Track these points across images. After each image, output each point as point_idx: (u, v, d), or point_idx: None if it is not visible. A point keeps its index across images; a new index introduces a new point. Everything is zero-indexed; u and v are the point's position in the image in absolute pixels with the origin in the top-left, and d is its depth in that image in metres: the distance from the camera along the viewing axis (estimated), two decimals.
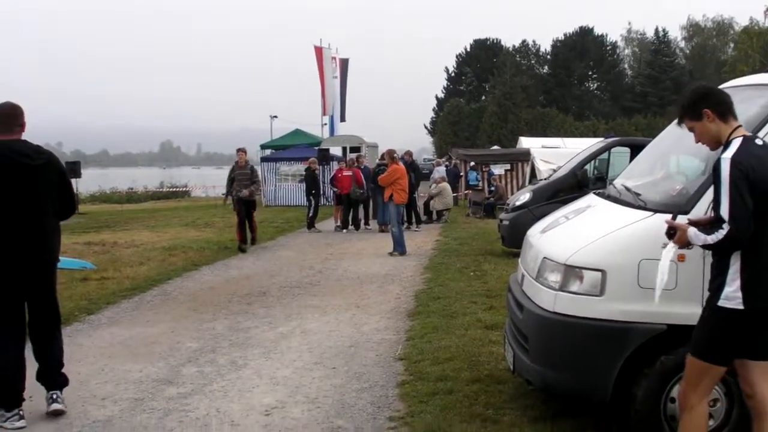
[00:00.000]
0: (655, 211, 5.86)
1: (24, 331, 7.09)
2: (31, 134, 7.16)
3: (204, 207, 43.63)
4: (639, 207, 6.11)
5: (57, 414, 7.10)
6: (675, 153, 7.12)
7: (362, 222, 27.13)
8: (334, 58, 51.80)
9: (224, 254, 19.60)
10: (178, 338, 10.21)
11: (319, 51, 49.64)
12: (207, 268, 17.05)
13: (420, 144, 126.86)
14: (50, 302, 7.22)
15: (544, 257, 6.34)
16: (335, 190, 27.35)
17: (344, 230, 26.31)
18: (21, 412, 6.93)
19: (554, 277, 6.10)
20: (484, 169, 36.92)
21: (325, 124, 50.78)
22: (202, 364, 8.89)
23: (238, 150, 21.88)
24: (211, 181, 68.89)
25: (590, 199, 7.36)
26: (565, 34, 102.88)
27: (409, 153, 28.01)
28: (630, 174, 7.40)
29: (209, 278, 15.65)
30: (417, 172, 27.90)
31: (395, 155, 20.92)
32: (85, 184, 45.48)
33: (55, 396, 7.18)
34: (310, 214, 26.75)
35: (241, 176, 20.97)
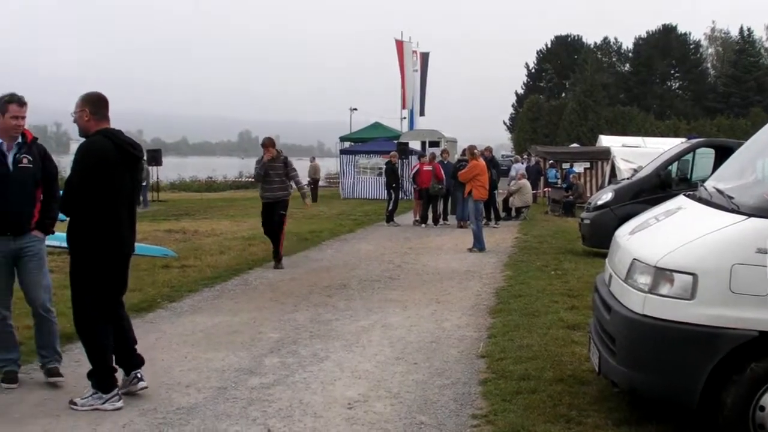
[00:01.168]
0: (749, 215, 5.77)
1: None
2: (114, 122, 7.36)
3: None
4: (732, 210, 6.01)
5: (142, 389, 7.34)
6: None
7: (441, 217, 27.10)
8: (414, 51, 51.84)
9: (303, 245, 19.74)
10: (259, 328, 10.31)
11: (400, 45, 49.71)
12: (287, 258, 17.14)
13: (498, 140, 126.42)
14: (126, 286, 7.50)
15: (634, 259, 6.27)
16: (414, 186, 27.39)
17: (423, 225, 26.32)
18: (120, 393, 7.13)
19: (644, 279, 6.03)
20: (563, 167, 36.64)
21: (405, 117, 50.87)
22: (284, 355, 8.97)
23: (265, 145, 16.54)
24: None
25: (680, 200, 7.26)
26: (647, 32, 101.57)
27: (489, 149, 27.93)
28: (721, 176, 7.27)
29: (290, 269, 15.77)
30: (497, 169, 27.81)
31: (476, 151, 20.87)
32: (165, 171, 46.16)
33: (139, 375, 7.38)
34: (390, 208, 26.81)
35: (274, 171, 16.17)
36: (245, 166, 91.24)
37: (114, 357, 7.28)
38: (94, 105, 7.16)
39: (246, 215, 30.11)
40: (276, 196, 16.10)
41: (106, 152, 6.98)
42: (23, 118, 7.64)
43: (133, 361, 7.41)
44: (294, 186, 16.86)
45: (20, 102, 7.64)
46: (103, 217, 6.97)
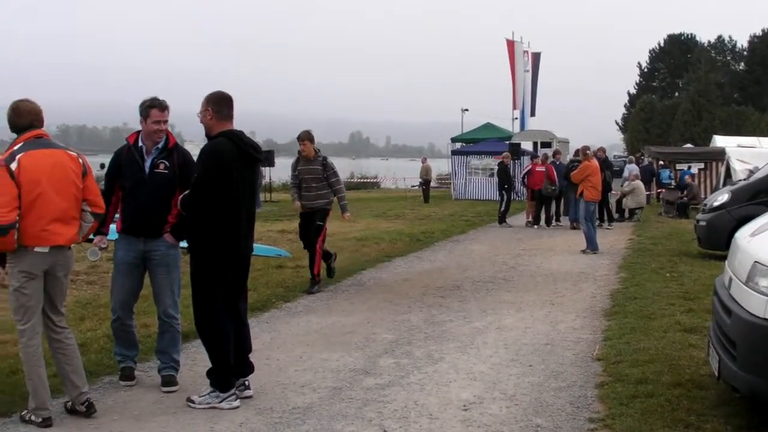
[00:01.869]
0: None
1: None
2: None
3: (394, 198, 44.16)
4: None
5: (247, 398, 7.36)
6: None
7: (553, 218, 26.84)
8: (526, 52, 51.48)
9: (417, 246, 19.78)
10: (374, 329, 10.38)
11: (511, 45, 49.42)
12: (400, 259, 17.25)
13: (610, 140, 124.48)
14: (246, 285, 7.63)
15: (756, 261, 6.12)
16: (526, 187, 27.22)
17: (535, 226, 26.12)
18: (236, 393, 7.24)
19: (766, 283, 5.89)
20: (677, 168, 35.92)
21: (516, 118, 50.56)
22: (398, 355, 9.01)
23: (302, 138, 13.35)
24: (401, 173, 69.55)
25: None
26: (763, 30, 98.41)
27: (602, 150, 27.55)
28: None
29: (403, 270, 15.85)
30: (610, 170, 27.42)
31: (588, 152, 20.63)
32: (277, 172, 46.74)
33: (247, 382, 7.45)
34: (502, 209, 26.67)
35: (311, 174, 13.42)
36: (356, 167, 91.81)
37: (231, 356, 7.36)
38: (217, 104, 7.20)
39: (358, 216, 30.29)
40: (312, 205, 13.45)
41: (228, 154, 7.02)
42: (165, 122, 7.70)
43: (244, 368, 7.47)
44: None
45: (161, 106, 7.67)
46: (223, 218, 7.03)
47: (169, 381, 7.82)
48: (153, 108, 7.65)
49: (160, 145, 7.73)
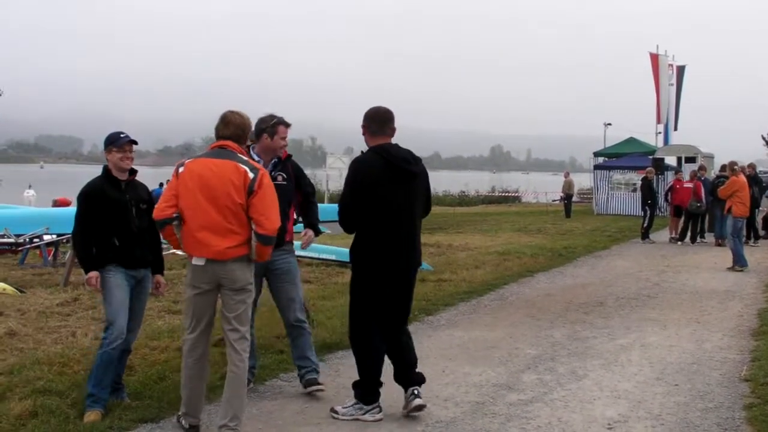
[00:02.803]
0: None
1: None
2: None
3: (535, 213, 43.84)
4: None
5: (419, 409, 7.18)
6: None
7: (699, 235, 26.10)
8: (670, 65, 50.27)
9: (559, 261, 19.53)
10: (516, 344, 10.29)
11: (654, 58, 48.31)
12: (542, 274, 17.08)
13: (755, 155, 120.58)
14: (409, 304, 7.45)
15: None
16: (669, 203, 26.62)
17: (680, 242, 25.46)
18: (380, 406, 7.21)
19: None
20: None
21: (659, 132, 49.32)
22: (541, 371, 8.91)
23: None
24: (542, 187, 68.99)
25: None
26: None
27: (752, 166, 26.62)
28: None
29: (545, 285, 15.68)
30: (759, 186, 26.51)
31: (736, 167, 20.02)
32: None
33: (416, 391, 7.24)
34: (645, 225, 26.10)
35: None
36: (497, 181, 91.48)
37: (394, 373, 7.31)
38: (371, 120, 7.18)
39: (499, 230, 30.20)
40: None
41: (373, 169, 6.98)
42: (285, 138, 7.90)
43: (412, 378, 7.31)
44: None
45: (287, 123, 7.90)
46: (377, 233, 7.00)
47: (312, 382, 7.94)
48: (281, 125, 7.83)
49: (275, 159, 7.93)
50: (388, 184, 7.01)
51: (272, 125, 7.80)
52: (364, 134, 7.23)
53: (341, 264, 17.42)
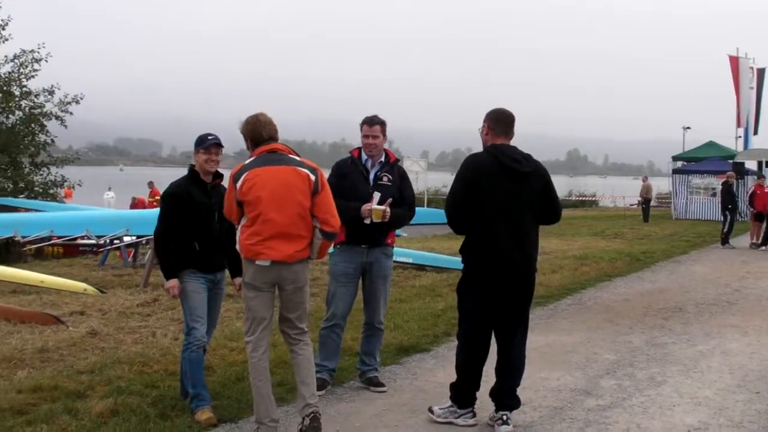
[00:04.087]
0: None
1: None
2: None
3: (612, 217, 43.39)
4: None
5: None
6: None
7: None
8: (751, 68, 49.33)
9: (637, 266, 19.29)
10: (594, 349, 10.19)
11: (734, 61, 47.48)
12: (620, 279, 16.89)
13: None
14: (522, 310, 7.24)
15: None
16: (750, 208, 26.15)
17: (762, 248, 24.95)
18: (474, 411, 7.14)
19: None
20: None
21: (739, 136, 48.45)
22: (620, 377, 8.81)
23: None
24: (619, 191, 68.21)
25: None
26: None
27: None
28: None
29: (623, 290, 15.49)
30: None
31: None
32: None
33: (505, 417, 7.02)
34: (725, 230, 25.67)
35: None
36: (574, 185, 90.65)
37: (492, 387, 7.16)
38: (493, 121, 7.07)
39: (576, 234, 30.00)
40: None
41: (481, 166, 6.86)
42: (375, 137, 7.96)
43: (506, 401, 7.10)
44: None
45: (371, 122, 8.00)
46: (482, 233, 6.86)
47: (375, 381, 8.11)
48: (364, 124, 8.03)
49: (382, 160, 8.08)
50: (497, 182, 6.83)
51: (360, 124, 8.07)
52: (485, 134, 7.07)
53: (418, 267, 17.46)
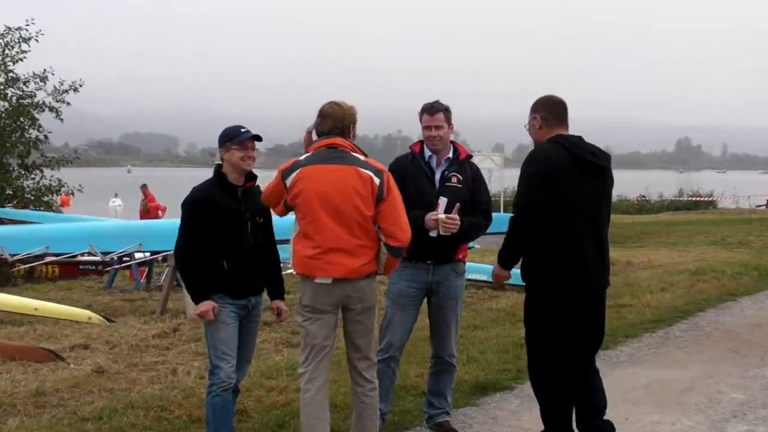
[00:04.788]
0: None
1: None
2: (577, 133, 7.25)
3: (735, 221, 42.90)
4: None
5: None
6: None
7: None
8: None
9: (767, 283, 19.08)
10: (717, 386, 10.08)
11: None
12: (747, 299, 16.71)
13: None
14: (601, 331, 7.34)
15: None
16: None
17: None
18: None
19: None
20: None
21: None
22: (751, 421, 8.69)
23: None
24: (743, 189, 67.52)
25: None
26: None
27: None
28: None
29: (751, 312, 15.33)
30: None
31: None
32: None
33: None
34: None
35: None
36: (685, 182, 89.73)
37: (576, 418, 7.23)
38: (548, 110, 7.16)
39: (690, 243, 29.78)
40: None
41: (554, 160, 6.88)
42: (438, 127, 7.79)
43: (599, 427, 7.24)
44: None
45: (432, 109, 7.82)
46: (556, 241, 6.86)
47: (449, 428, 8.05)
48: (423, 112, 7.87)
49: (450, 155, 7.89)
50: (573, 179, 6.88)
51: (419, 113, 7.92)
52: (537, 126, 7.15)
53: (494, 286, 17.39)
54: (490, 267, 18.07)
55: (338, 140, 6.80)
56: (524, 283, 7.18)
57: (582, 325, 7.07)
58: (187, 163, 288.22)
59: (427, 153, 7.88)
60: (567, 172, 6.85)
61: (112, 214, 50.57)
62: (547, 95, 7.28)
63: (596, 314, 7.20)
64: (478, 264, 18.26)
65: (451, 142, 8.01)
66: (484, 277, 17.49)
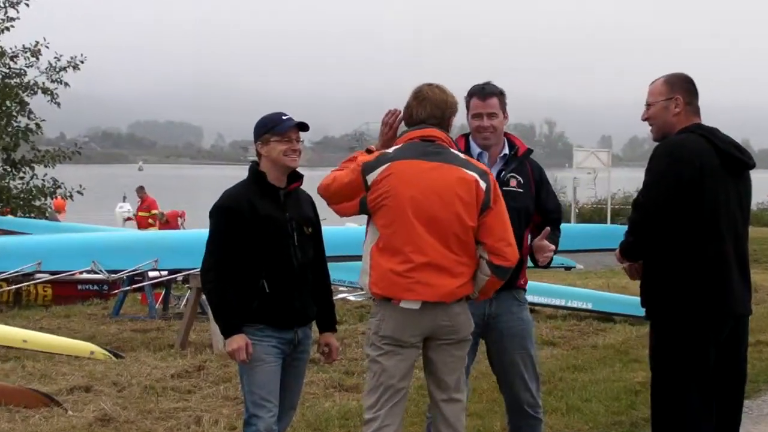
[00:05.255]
0: None
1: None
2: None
3: None
4: None
5: None
6: None
7: None
8: None
9: None
10: None
11: None
12: None
13: None
14: (744, 373, 7.32)
15: None
16: None
17: None
18: None
19: None
20: None
21: None
22: None
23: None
24: None
25: None
26: None
27: None
28: None
29: None
30: None
31: None
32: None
33: None
34: None
35: None
36: None
37: None
38: (686, 91, 7.06)
39: None
40: None
41: (698, 156, 6.75)
42: (491, 116, 7.55)
43: None
44: None
45: (484, 93, 7.59)
46: (696, 258, 6.77)
47: None
48: (472, 97, 7.62)
49: (506, 152, 7.68)
50: (719, 182, 6.81)
51: (466, 98, 7.66)
52: (676, 111, 7.01)
53: (602, 316, 17.31)
54: (596, 293, 18.12)
55: (436, 132, 6.74)
56: (647, 313, 7.09)
57: (722, 365, 6.97)
58: (214, 159, 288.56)
59: (476, 149, 7.63)
60: (713, 173, 6.76)
61: (120, 223, 50.77)
62: (681, 73, 7.20)
63: (737, 351, 7.11)
64: (581, 289, 18.23)
65: (506, 134, 7.79)
66: (588, 306, 17.41)
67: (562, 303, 17.25)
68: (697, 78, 7.19)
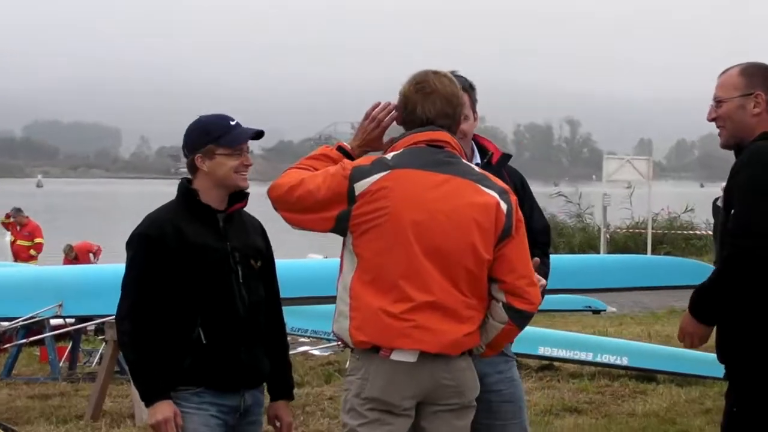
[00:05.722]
0: None
1: None
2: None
3: None
4: None
5: None
6: None
7: None
8: None
9: None
10: None
11: None
12: None
13: None
14: None
15: None
16: None
17: None
18: None
19: None
20: None
21: None
22: None
23: None
24: None
25: None
26: None
27: None
28: None
29: None
30: None
31: None
32: None
33: None
34: None
35: None
36: None
37: None
38: None
39: None
40: None
41: None
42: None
43: None
44: None
45: (467, 88, 7.39)
46: None
47: None
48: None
49: (477, 160, 7.58)
50: None
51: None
52: (753, 113, 6.89)
53: (642, 374, 17.27)
54: (633, 344, 18.12)
55: (447, 136, 6.51)
56: (727, 370, 6.97)
57: None
58: (136, 171, 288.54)
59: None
60: None
61: (10, 256, 50.65)
62: (763, 63, 7.10)
63: None
64: (614, 339, 18.21)
65: (475, 137, 7.70)
66: (624, 361, 17.38)
67: (590, 357, 17.12)
68: None
